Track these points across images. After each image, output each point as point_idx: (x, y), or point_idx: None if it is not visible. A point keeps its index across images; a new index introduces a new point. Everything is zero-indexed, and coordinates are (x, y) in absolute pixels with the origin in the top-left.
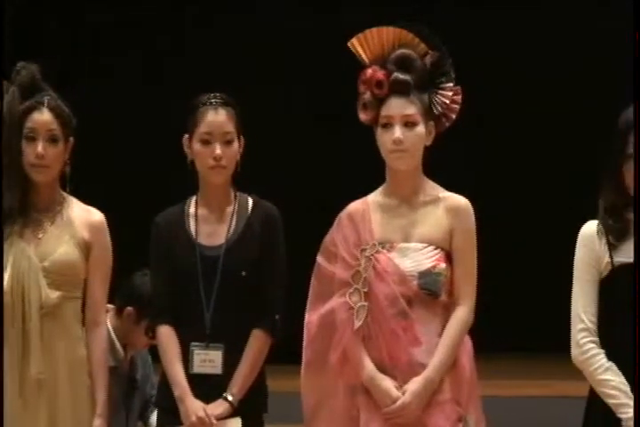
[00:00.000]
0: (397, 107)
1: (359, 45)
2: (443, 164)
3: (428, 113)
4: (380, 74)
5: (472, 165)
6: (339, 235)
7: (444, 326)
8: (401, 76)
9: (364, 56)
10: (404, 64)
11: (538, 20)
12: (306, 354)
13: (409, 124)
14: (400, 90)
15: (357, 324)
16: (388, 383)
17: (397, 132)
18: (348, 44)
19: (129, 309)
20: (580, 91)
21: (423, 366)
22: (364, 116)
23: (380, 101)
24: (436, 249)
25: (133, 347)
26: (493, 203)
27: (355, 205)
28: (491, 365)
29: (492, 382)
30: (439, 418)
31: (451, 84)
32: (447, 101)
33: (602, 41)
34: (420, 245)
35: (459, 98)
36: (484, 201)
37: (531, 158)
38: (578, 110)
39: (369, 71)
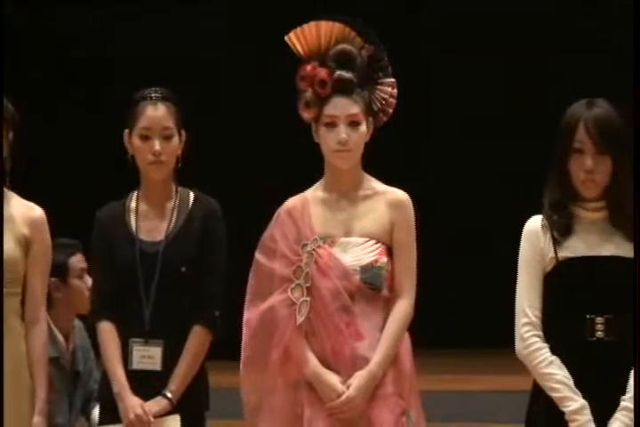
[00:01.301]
0: (341, 106)
1: (296, 39)
2: (380, 158)
3: (369, 110)
4: (323, 73)
5: (409, 158)
6: (278, 231)
7: (385, 321)
8: (345, 75)
9: (300, 50)
10: (344, 61)
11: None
12: (245, 351)
13: (353, 123)
14: (343, 89)
15: (300, 319)
16: (332, 378)
17: (343, 132)
18: (285, 38)
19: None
20: (525, 87)
21: (366, 361)
22: (306, 115)
23: (322, 99)
24: (377, 243)
25: (81, 310)
26: (433, 198)
27: (293, 201)
28: (434, 359)
29: (435, 376)
30: (383, 412)
31: (389, 79)
32: (386, 97)
33: (547, 37)
34: (360, 240)
35: (395, 92)
36: (423, 196)
37: (470, 151)
38: (522, 108)
39: (308, 67)
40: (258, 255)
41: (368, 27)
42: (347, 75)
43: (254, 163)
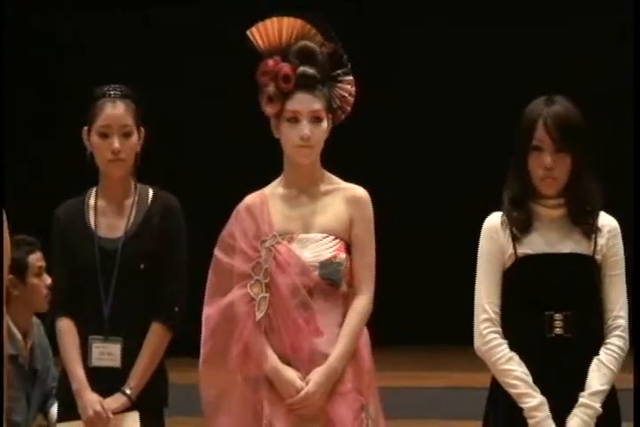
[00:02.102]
0: (305, 102)
1: (257, 34)
2: (339, 155)
3: (329, 107)
4: (287, 68)
5: (368, 155)
6: (237, 227)
7: (344, 317)
8: (309, 70)
9: (261, 44)
10: (306, 57)
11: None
12: (205, 348)
13: (315, 119)
14: (306, 84)
15: (259, 315)
16: (291, 374)
17: (306, 128)
18: (247, 33)
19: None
20: (482, 84)
21: (325, 357)
22: (269, 110)
23: (285, 95)
24: (335, 239)
25: (39, 308)
26: (393, 194)
27: (252, 198)
28: (393, 356)
29: (394, 373)
30: (342, 408)
31: (348, 77)
32: (345, 94)
33: (511, 33)
34: (319, 236)
35: (354, 90)
36: (383, 192)
37: (428, 149)
38: (483, 104)
39: (271, 62)
40: (217, 252)
41: (328, 24)
42: (310, 71)
43: (214, 160)
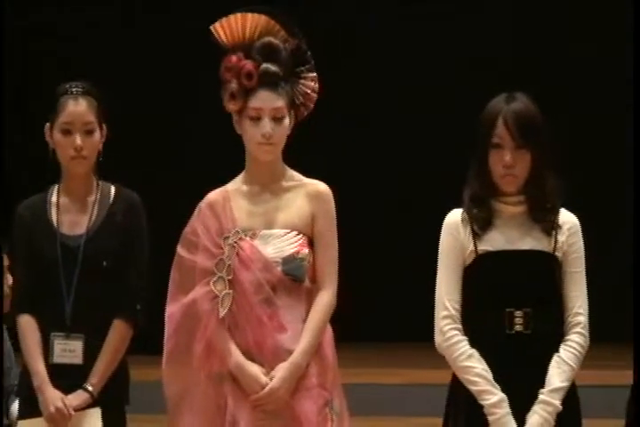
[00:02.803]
0: (267, 100)
1: (221, 29)
2: (302, 151)
3: (292, 104)
4: (249, 65)
5: (330, 151)
6: (199, 224)
7: (307, 312)
8: (272, 68)
9: (224, 40)
10: (269, 54)
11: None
12: (168, 345)
13: (277, 117)
14: (269, 82)
15: (222, 312)
16: (255, 370)
17: (268, 126)
18: (210, 28)
19: None
20: (444, 82)
21: (289, 353)
22: (232, 107)
23: (247, 91)
24: (298, 235)
25: None
26: (354, 190)
27: (214, 195)
28: (354, 352)
29: (354, 370)
30: (307, 403)
31: (311, 74)
32: (308, 91)
33: (463, 30)
34: (282, 232)
35: (317, 87)
36: (344, 188)
37: (390, 145)
38: (444, 100)
39: (234, 59)
40: (179, 249)
41: (291, 20)
42: (273, 68)
43: (176, 158)
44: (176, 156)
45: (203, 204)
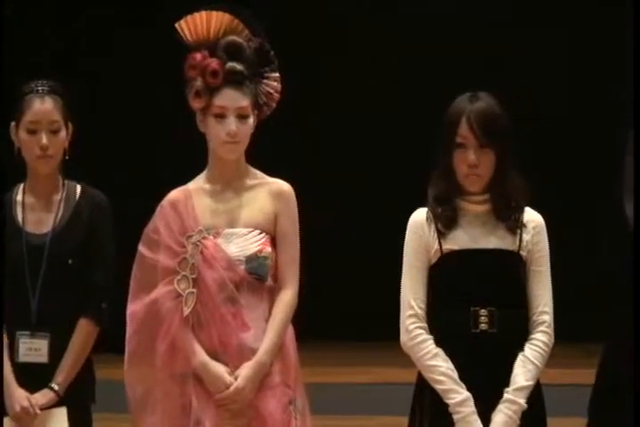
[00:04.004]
0: (232, 98)
1: (186, 27)
2: (264, 151)
3: (256, 103)
4: (215, 63)
5: (294, 150)
6: (161, 223)
7: (270, 311)
8: (237, 66)
9: (189, 38)
10: (234, 52)
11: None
12: (130, 345)
13: (242, 115)
14: (234, 80)
15: (186, 311)
16: (220, 369)
17: (233, 124)
18: (175, 26)
19: None
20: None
21: (253, 351)
22: (196, 105)
23: (212, 90)
24: (261, 233)
25: None
26: (318, 190)
27: (176, 193)
28: (318, 352)
29: (319, 369)
30: (271, 402)
31: (274, 74)
32: (271, 91)
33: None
34: (245, 230)
35: (280, 87)
36: (307, 188)
37: (354, 145)
38: (409, 100)
39: (198, 56)
40: (141, 248)
41: (256, 20)
42: (238, 67)
43: (138, 156)
44: (141, 155)
45: (164, 202)
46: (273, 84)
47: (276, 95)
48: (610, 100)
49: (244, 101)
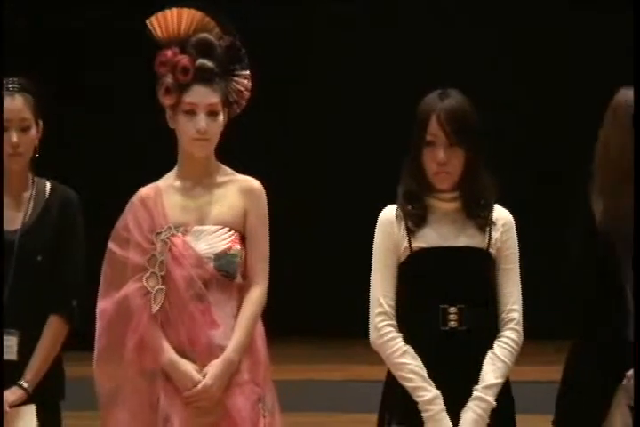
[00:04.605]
0: (202, 95)
1: (157, 23)
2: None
3: (226, 100)
4: (185, 60)
5: (262, 148)
6: (131, 220)
7: (239, 308)
8: (208, 63)
9: (159, 34)
10: (205, 50)
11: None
12: (100, 342)
13: (212, 112)
14: (205, 77)
15: (155, 308)
16: (188, 367)
17: (203, 121)
18: (146, 22)
19: None
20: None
21: (222, 349)
22: (167, 101)
23: (182, 86)
24: (230, 231)
25: None
26: (288, 187)
27: (146, 190)
28: (287, 349)
29: (288, 366)
30: (239, 399)
31: (244, 72)
32: (242, 89)
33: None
34: (214, 228)
35: (250, 85)
36: (277, 185)
37: (324, 142)
38: (378, 98)
39: (169, 53)
40: (111, 245)
41: (227, 18)
42: (209, 63)
43: (108, 153)
44: (111, 153)
45: (134, 199)
46: (243, 81)
47: (247, 93)
48: (585, 101)
49: (215, 98)
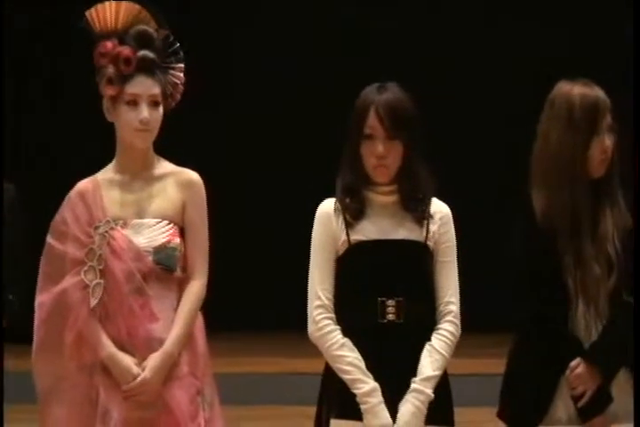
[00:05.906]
0: (145, 86)
1: (95, 15)
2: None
3: (164, 92)
4: (127, 51)
5: (207, 138)
6: (69, 213)
7: (179, 302)
8: (149, 54)
9: (97, 26)
10: (145, 41)
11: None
12: (38, 336)
13: (154, 103)
14: (146, 68)
15: (94, 302)
16: (127, 361)
17: (145, 112)
18: (85, 14)
19: None
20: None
21: (161, 342)
22: (109, 92)
23: (124, 77)
24: (169, 224)
25: None
26: (227, 179)
27: (84, 184)
28: (224, 342)
29: (230, 359)
30: (178, 392)
31: (180, 65)
32: (177, 82)
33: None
34: (153, 221)
35: (184, 78)
36: (216, 177)
37: (266, 131)
38: (321, 92)
39: (109, 45)
40: (49, 238)
41: (160, 12)
42: (151, 54)
43: (45, 147)
44: (48, 147)
45: (72, 193)
46: (179, 74)
47: (181, 86)
48: (526, 95)
49: (156, 89)
